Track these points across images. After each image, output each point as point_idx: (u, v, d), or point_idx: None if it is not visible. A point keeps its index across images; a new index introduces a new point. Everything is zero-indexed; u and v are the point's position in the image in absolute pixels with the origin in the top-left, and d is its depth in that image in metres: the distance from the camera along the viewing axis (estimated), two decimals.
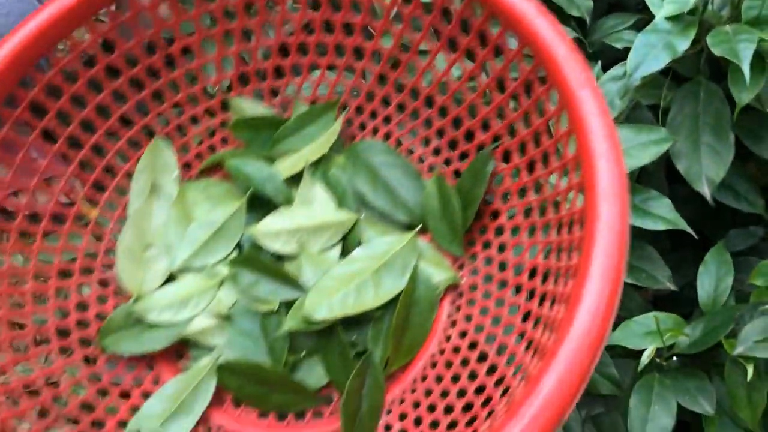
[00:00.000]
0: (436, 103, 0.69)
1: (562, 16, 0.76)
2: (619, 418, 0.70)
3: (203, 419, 0.61)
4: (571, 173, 0.53)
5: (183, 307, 0.64)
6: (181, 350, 0.65)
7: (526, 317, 0.56)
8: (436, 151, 0.70)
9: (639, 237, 0.69)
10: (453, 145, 0.69)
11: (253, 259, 0.65)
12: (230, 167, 0.70)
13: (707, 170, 0.65)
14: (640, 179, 0.74)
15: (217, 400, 0.62)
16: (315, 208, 0.69)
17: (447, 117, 0.69)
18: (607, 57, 0.74)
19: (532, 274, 0.58)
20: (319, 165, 0.71)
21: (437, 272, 0.65)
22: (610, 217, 0.45)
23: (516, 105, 0.62)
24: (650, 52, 0.63)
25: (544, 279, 0.56)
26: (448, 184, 0.66)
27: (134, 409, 0.61)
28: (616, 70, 0.69)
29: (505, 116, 0.63)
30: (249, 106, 0.74)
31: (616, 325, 0.67)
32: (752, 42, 0.59)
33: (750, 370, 0.58)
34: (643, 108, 0.71)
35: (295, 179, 0.71)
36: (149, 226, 0.69)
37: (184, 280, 0.66)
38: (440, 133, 0.70)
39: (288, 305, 0.64)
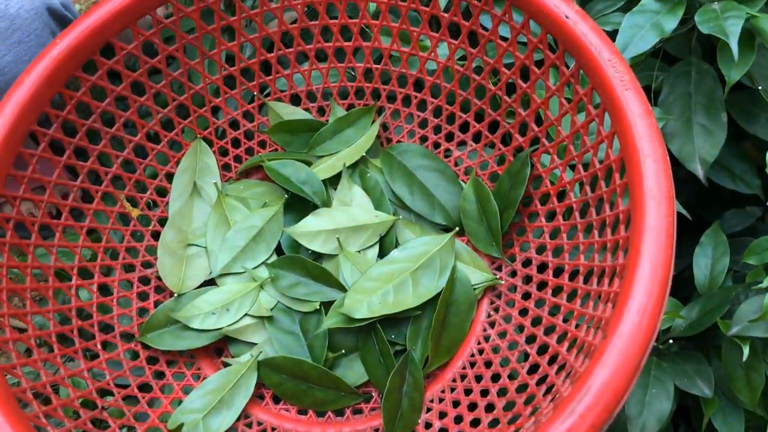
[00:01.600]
0: (472, 107, 0.70)
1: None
2: None
3: (244, 414, 0.62)
4: (615, 174, 0.53)
5: (225, 312, 0.65)
6: (221, 346, 0.66)
7: (567, 317, 0.57)
8: (473, 155, 0.71)
9: None
10: (490, 148, 0.70)
11: (293, 261, 0.66)
12: (269, 169, 0.71)
13: (700, 150, 0.64)
14: None
15: (257, 396, 0.63)
16: (353, 209, 0.69)
17: (483, 121, 0.69)
18: None
19: (574, 274, 0.58)
20: (356, 167, 0.72)
21: (475, 274, 0.65)
22: (657, 215, 0.46)
23: (555, 108, 0.63)
24: (638, 33, 0.62)
25: (586, 279, 0.56)
26: (486, 187, 0.67)
27: (176, 403, 0.62)
28: None
29: (543, 119, 0.63)
30: (286, 110, 0.75)
31: None
32: (740, 18, 0.58)
33: (746, 350, 0.58)
34: None
35: (332, 181, 0.72)
36: (190, 226, 0.70)
37: (225, 286, 0.67)
38: (477, 136, 0.71)
39: (327, 304, 0.65)
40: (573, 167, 0.61)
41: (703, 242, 0.66)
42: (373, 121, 0.73)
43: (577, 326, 0.54)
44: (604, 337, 0.44)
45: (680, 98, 0.65)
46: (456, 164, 0.72)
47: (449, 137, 0.72)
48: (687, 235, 0.70)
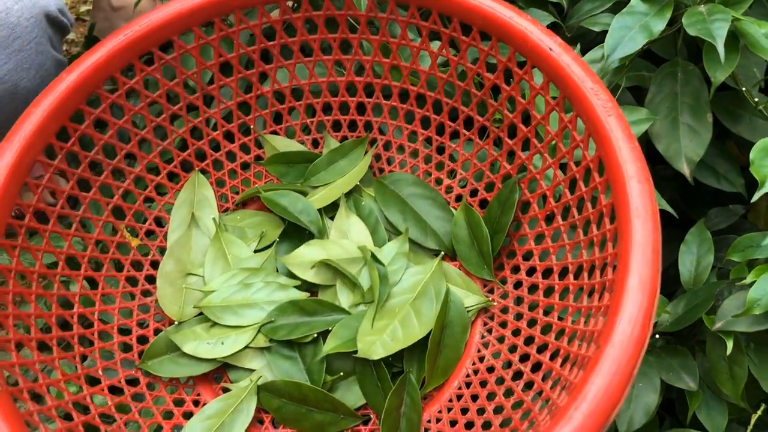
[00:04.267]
0: (461, 137, 0.73)
1: (539, 1, 0.78)
2: None
3: None
4: (600, 196, 0.56)
5: (221, 344, 0.66)
6: (221, 372, 0.67)
7: (559, 335, 0.59)
8: (463, 183, 0.74)
9: None
10: (479, 176, 0.73)
11: (289, 308, 0.67)
12: (266, 199, 0.73)
13: (686, 150, 0.66)
14: None
15: (257, 421, 0.64)
16: (348, 239, 0.71)
17: (472, 150, 0.72)
18: (586, 41, 0.75)
19: (564, 293, 0.61)
20: (351, 196, 0.74)
21: (468, 296, 0.68)
22: (643, 232, 0.49)
23: (540, 136, 0.66)
24: (626, 34, 0.64)
25: (577, 297, 0.58)
26: (476, 213, 0.69)
27: (177, 429, 0.62)
28: (594, 53, 0.70)
29: (530, 147, 0.66)
30: (282, 143, 0.78)
31: None
32: (726, 21, 0.60)
33: (729, 344, 0.59)
34: (623, 90, 0.72)
35: (327, 210, 0.74)
36: (189, 256, 0.71)
37: (224, 321, 0.67)
38: (466, 165, 0.74)
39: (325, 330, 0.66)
40: (560, 191, 0.63)
41: (688, 240, 0.68)
42: (366, 152, 0.76)
43: (569, 342, 0.56)
44: (597, 348, 0.46)
45: (667, 98, 0.67)
46: (447, 192, 0.74)
47: (440, 166, 0.75)
48: (672, 232, 0.71)
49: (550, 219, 0.65)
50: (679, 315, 0.64)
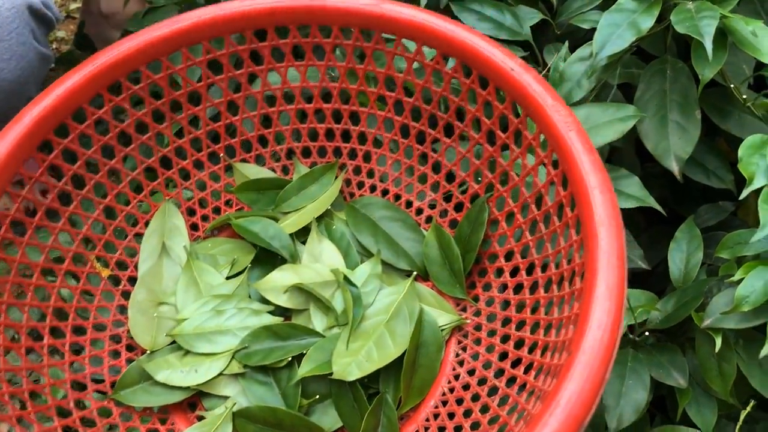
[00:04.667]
0: (429, 159, 0.74)
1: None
2: None
3: None
4: (566, 208, 0.58)
5: (195, 372, 0.65)
6: (195, 400, 0.66)
7: (533, 348, 0.59)
8: (433, 204, 0.75)
9: None
10: (448, 197, 0.74)
11: (262, 333, 0.66)
12: (237, 226, 0.73)
13: (675, 147, 0.66)
14: (613, 158, 0.75)
15: None
16: (321, 262, 0.72)
17: (441, 171, 0.74)
18: (576, 38, 0.76)
19: (535, 307, 0.62)
20: (322, 221, 0.75)
21: (442, 315, 0.68)
22: (609, 240, 0.50)
23: (506, 154, 0.67)
24: (615, 32, 0.64)
25: (548, 309, 0.59)
26: (447, 233, 0.70)
27: None
28: (582, 51, 0.70)
29: (496, 166, 0.68)
30: (252, 170, 0.78)
31: None
32: (714, 18, 0.60)
33: (718, 341, 0.60)
34: (611, 87, 0.72)
35: (299, 235, 0.74)
36: (160, 285, 0.71)
37: (197, 348, 0.67)
38: (435, 186, 0.75)
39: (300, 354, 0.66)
40: (527, 207, 0.65)
41: (678, 237, 0.69)
42: (336, 177, 0.77)
43: (542, 354, 0.57)
44: (569, 355, 0.47)
45: (656, 96, 0.68)
46: (417, 214, 0.75)
47: (409, 188, 0.76)
48: (663, 229, 0.72)
49: (519, 236, 0.66)
50: (669, 312, 0.64)
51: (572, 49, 0.72)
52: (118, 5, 0.98)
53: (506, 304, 0.66)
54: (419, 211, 0.75)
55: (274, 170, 0.79)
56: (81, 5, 1.04)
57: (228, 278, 0.72)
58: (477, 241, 0.68)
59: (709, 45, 0.59)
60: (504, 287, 0.67)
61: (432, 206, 0.75)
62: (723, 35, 0.62)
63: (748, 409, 0.61)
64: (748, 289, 0.57)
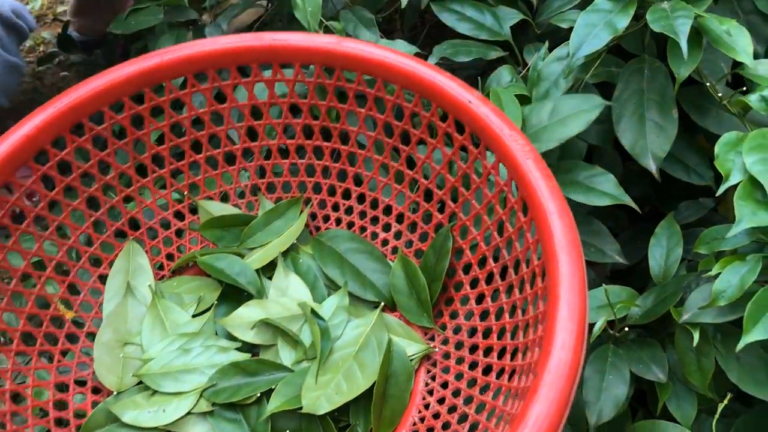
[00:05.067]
0: (393, 191, 0.75)
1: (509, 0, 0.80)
2: (578, 389, 0.69)
3: None
4: (527, 234, 0.59)
5: (162, 412, 0.65)
6: None
7: (500, 373, 0.60)
8: (398, 235, 0.76)
9: (592, 213, 0.70)
10: (413, 227, 0.75)
11: (230, 370, 0.66)
12: (202, 264, 0.73)
13: (653, 146, 0.67)
14: (593, 157, 0.75)
15: None
16: (288, 297, 0.72)
17: (405, 203, 0.75)
18: (556, 37, 0.77)
19: (502, 332, 0.62)
20: (288, 255, 0.75)
21: (410, 345, 0.68)
22: (569, 263, 0.51)
23: (467, 184, 0.69)
24: (591, 32, 0.65)
25: (513, 334, 0.60)
26: (413, 263, 0.71)
27: None
28: (560, 51, 0.72)
29: (458, 195, 0.69)
30: (216, 208, 0.79)
31: None
32: (689, 18, 0.61)
33: (696, 335, 0.60)
34: (589, 86, 0.73)
35: (265, 270, 0.74)
36: (125, 325, 0.70)
37: (164, 388, 0.66)
38: (400, 217, 0.76)
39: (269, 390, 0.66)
40: (489, 235, 0.66)
41: (658, 233, 0.69)
42: (302, 211, 0.77)
43: (509, 379, 0.58)
44: (534, 376, 0.47)
45: (634, 95, 0.69)
46: (383, 245, 0.76)
47: (375, 220, 0.77)
48: (645, 226, 0.72)
49: (483, 263, 0.68)
50: (649, 308, 0.65)
51: (552, 49, 0.73)
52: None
53: (473, 331, 0.67)
54: (385, 243, 0.76)
55: (239, 207, 0.80)
56: (68, 10, 1.06)
57: (194, 316, 0.71)
58: (442, 270, 0.69)
59: (683, 44, 0.60)
60: (470, 314, 0.68)
61: (397, 237, 0.76)
62: (698, 34, 0.64)
63: (725, 402, 0.61)
64: (725, 284, 0.58)
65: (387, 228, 0.77)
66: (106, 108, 0.68)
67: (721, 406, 0.60)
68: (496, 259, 0.66)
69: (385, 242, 0.76)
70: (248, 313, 0.70)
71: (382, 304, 0.71)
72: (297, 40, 0.70)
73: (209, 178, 0.79)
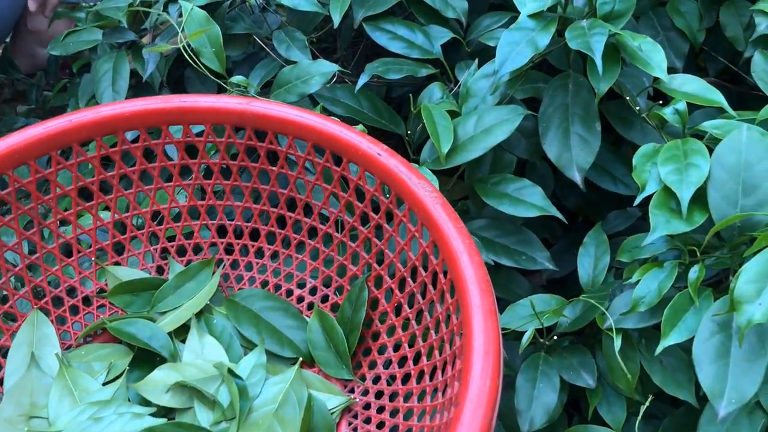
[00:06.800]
0: (307, 247, 0.77)
1: (439, 18, 0.83)
2: (510, 398, 0.69)
3: None
4: (440, 275, 0.62)
5: None
6: None
7: (422, 415, 0.61)
8: (313, 290, 0.77)
9: (526, 224, 0.73)
10: (328, 282, 0.76)
11: None
12: (112, 329, 0.71)
13: (577, 158, 0.70)
14: (526, 171, 0.78)
15: None
16: (203, 358, 0.70)
17: (319, 258, 0.76)
18: (486, 55, 0.78)
19: (420, 376, 0.64)
20: (201, 316, 0.74)
21: (330, 399, 0.68)
22: (480, 296, 0.54)
23: (380, 235, 0.71)
24: (515, 49, 0.67)
25: (432, 375, 0.62)
26: (330, 316, 0.72)
27: None
28: (487, 68, 0.74)
29: (372, 246, 0.71)
30: (125, 273, 0.77)
31: (502, 309, 0.69)
32: (603, 35, 0.63)
33: (617, 341, 0.61)
34: (516, 101, 0.75)
35: (178, 333, 0.73)
36: (30, 398, 0.66)
37: None
38: (315, 273, 0.77)
39: None
40: (404, 281, 0.68)
41: (586, 242, 0.72)
42: (214, 273, 0.77)
43: (431, 419, 0.59)
44: (457, 405, 0.49)
45: (558, 109, 0.71)
46: (299, 302, 0.77)
47: (289, 278, 0.78)
48: (577, 237, 0.75)
49: (398, 310, 0.69)
50: (577, 316, 0.67)
51: (481, 66, 0.76)
52: (44, 24, 0.97)
53: (393, 378, 0.67)
54: (300, 299, 0.77)
55: (148, 271, 0.78)
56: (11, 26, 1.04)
57: (105, 384, 0.68)
58: (359, 321, 0.70)
59: (598, 60, 0.63)
60: (389, 363, 0.69)
61: (312, 292, 0.77)
62: (616, 50, 0.67)
63: (647, 404, 0.62)
64: (644, 290, 0.60)
65: (302, 284, 0.77)
66: (11, 171, 0.67)
67: (643, 408, 0.62)
68: (410, 305, 0.68)
69: (300, 299, 0.77)
70: (162, 376, 0.68)
71: (300, 359, 0.71)
72: (207, 101, 0.72)
73: (117, 243, 0.77)
